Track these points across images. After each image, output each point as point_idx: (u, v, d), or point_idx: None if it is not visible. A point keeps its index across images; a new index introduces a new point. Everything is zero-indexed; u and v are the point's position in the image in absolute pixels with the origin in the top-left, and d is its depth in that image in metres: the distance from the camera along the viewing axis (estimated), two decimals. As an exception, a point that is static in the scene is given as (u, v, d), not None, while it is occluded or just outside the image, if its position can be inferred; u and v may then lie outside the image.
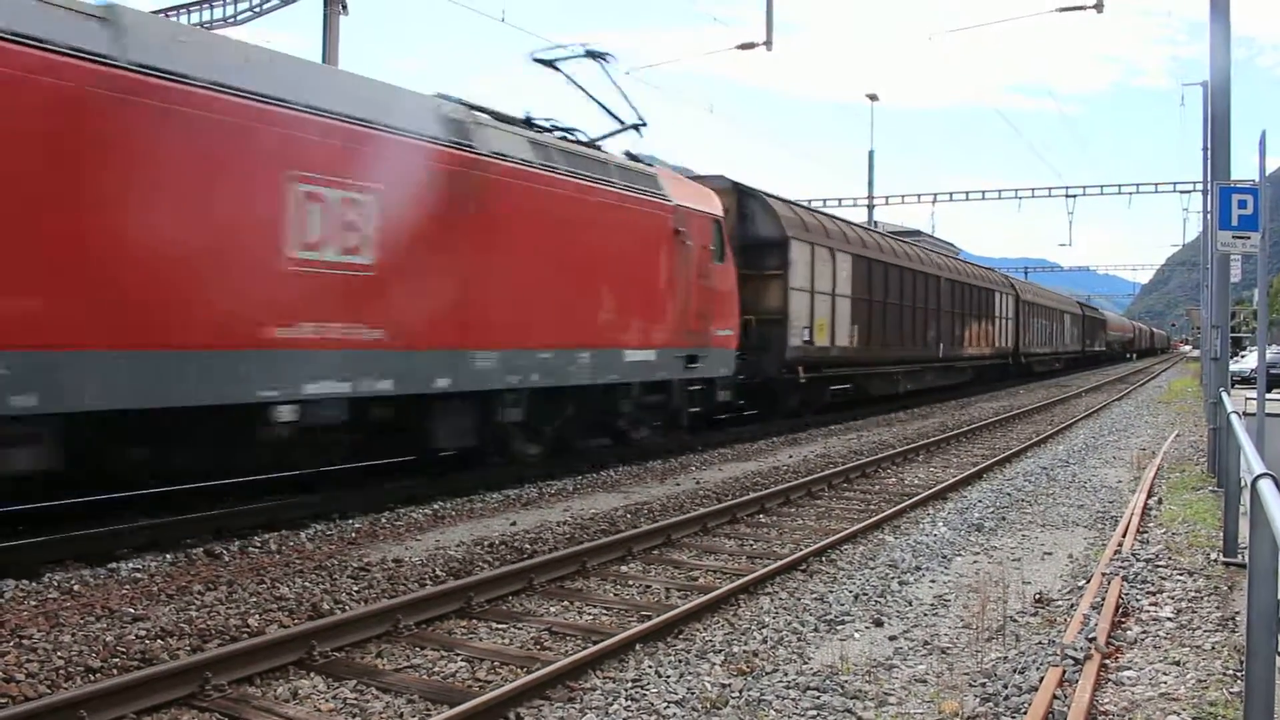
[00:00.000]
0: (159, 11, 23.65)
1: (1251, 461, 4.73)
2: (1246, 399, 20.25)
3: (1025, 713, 4.99)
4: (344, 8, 20.93)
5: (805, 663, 6.00)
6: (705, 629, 6.71)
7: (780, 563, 8.27)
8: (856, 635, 6.59)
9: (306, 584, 7.47)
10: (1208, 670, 5.66)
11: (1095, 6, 22.50)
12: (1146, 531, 9.67)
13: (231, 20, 23.88)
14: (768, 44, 24.16)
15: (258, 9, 23.88)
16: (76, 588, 7.23)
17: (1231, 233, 10.87)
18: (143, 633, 6.17)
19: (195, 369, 8.35)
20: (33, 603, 6.83)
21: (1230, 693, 5.27)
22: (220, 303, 8.53)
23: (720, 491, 12.23)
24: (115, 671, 5.54)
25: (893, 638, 6.55)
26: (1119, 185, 49.07)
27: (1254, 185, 11.01)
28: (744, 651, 6.16)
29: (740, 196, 19.47)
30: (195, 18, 24.09)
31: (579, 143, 13.76)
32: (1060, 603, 7.38)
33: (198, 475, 10.22)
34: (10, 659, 5.60)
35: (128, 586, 7.30)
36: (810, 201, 44.83)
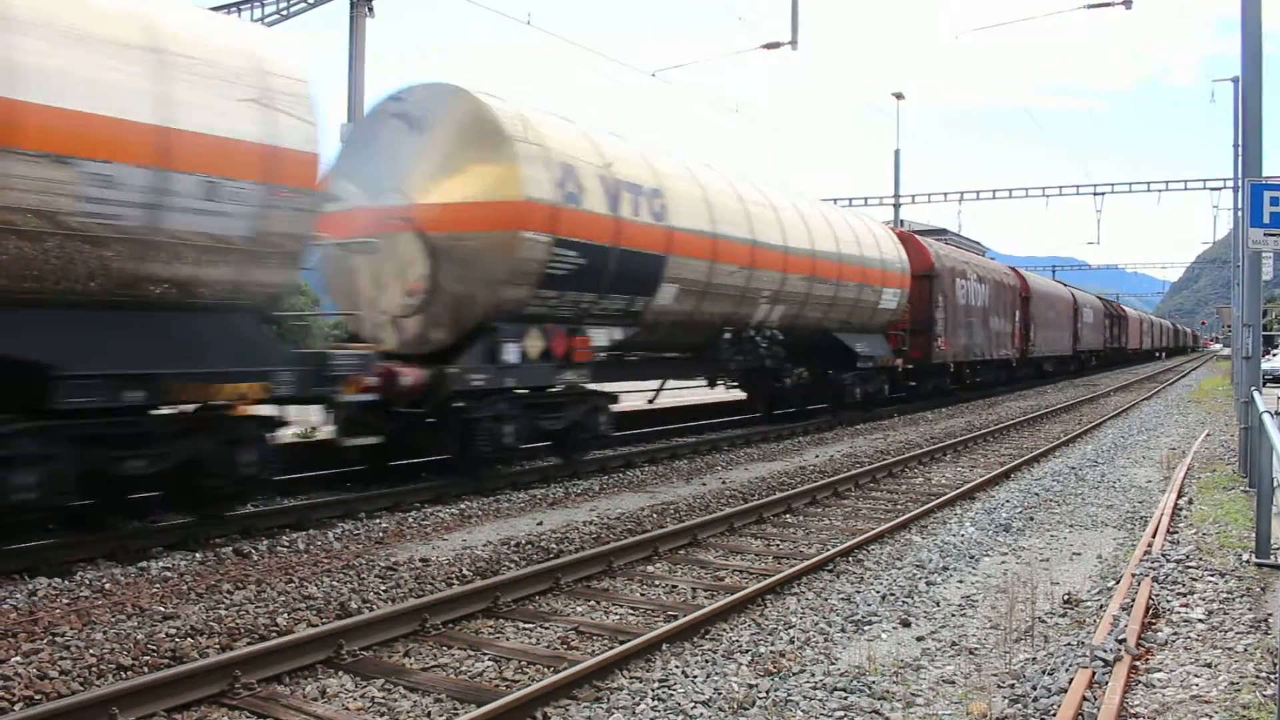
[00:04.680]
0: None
1: (1285, 462, 4.68)
2: (1279, 398, 20.05)
3: (1055, 714, 4.96)
4: (370, 10, 21.03)
5: (832, 663, 5.98)
6: (732, 629, 6.70)
7: (807, 563, 8.25)
8: (884, 636, 6.57)
9: (334, 583, 7.52)
10: (1240, 673, 5.60)
11: (1124, 2, 22.29)
12: (1177, 532, 9.58)
13: (260, 22, 24.02)
14: (793, 43, 24.09)
15: (284, 12, 24.03)
16: (108, 586, 7.31)
17: (1263, 230, 10.75)
18: (173, 631, 6.23)
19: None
20: (65, 601, 6.91)
21: (1263, 695, 5.21)
22: None
23: (747, 491, 12.22)
24: (146, 669, 5.60)
25: (920, 638, 6.53)
26: (1148, 183, 48.61)
27: (1286, 182, 10.88)
28: (771, 652, 6.15)
29: None
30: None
31: None
32: (1089, 603, 7.32)
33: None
34: (44, 656, 5.67)
35: (158, 585, 7.37)
36: (836, 201, 44.67)
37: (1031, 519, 10.63)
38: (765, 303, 17.41)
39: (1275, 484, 7.98)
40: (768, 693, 5.43)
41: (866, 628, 6.71)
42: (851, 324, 21.26)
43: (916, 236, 26.77)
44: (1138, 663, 5.80)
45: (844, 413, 21.35)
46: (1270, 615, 6.60)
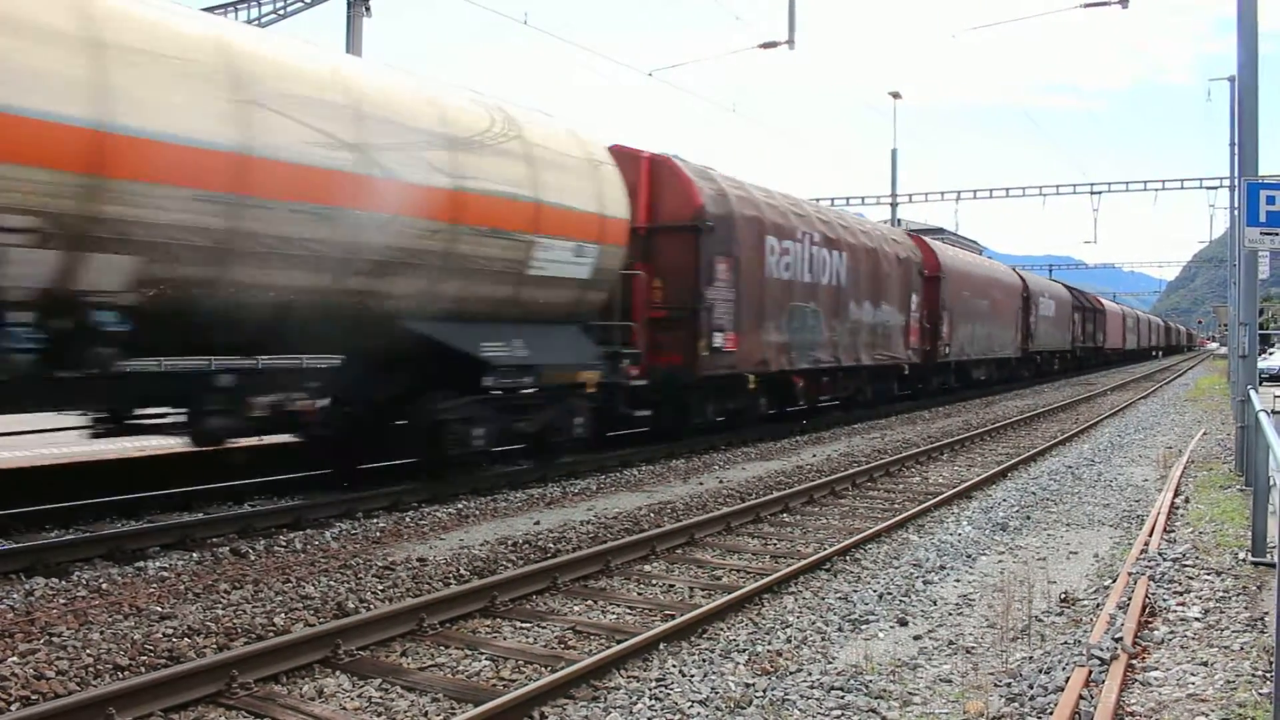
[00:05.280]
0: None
1: (1280, 460, 4.69)
2: (1275, 396, 20.08)
3: (1051, 713, 4.96)
4: (367, 9, 21.03)
5: (829, 662, 5.99)
6: (729, 628, 6.70)
7: (804, 562, 8.25)
8: (881, 635, 6.58)
9: (332, 583, 7.51)
10: (1236, 671, 5.61)
11: (1120, 2, 22.30)
12: (1173, 531, 9.59)
13: (255, 22, 24.01)
14: (790, 42, 24.10)
15: (281, 11, 24.03)
16: (105, 586, 7.30)
17: (1259, 229, 10.76)
18: (170, 631, 6.22)
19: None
20: (62, 600, 6.90)
21: (1259, 694, 5.22)
22: None
23: (744, 490, 12.22)
24: (143, 669, 5.59)
25: (917, 637, 6.53)
26: (1145, 182, 48.68)
27: (1282, 181, 10.89)
28: (768, 651, 6.15)
29: None
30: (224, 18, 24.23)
31: None
32: (1086, 602, 7.33)
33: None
34: (40, 656, 5.66)
35: (155, 585, 7.36)
36: (833, 200, 44.71)
37: (1028, 518, 10.64)
38: (19, 245, 7.54)
39: (1272, 483, 7.99)
40: (765, 692, 5.43)
41: (864, 627, 6.72)
42: (470, 304, 11.46)
43: (675, 161, 15.69)
44: (1134, 661, 5.81)
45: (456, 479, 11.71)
46: (1266, 614, 6.61)
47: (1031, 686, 5.41)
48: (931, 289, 25.47)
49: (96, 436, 9.28)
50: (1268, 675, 5.38)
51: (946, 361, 26.97)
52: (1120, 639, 5.97)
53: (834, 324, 19.63)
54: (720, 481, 12.94)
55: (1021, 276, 37.07)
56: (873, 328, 21.57)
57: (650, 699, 5.32)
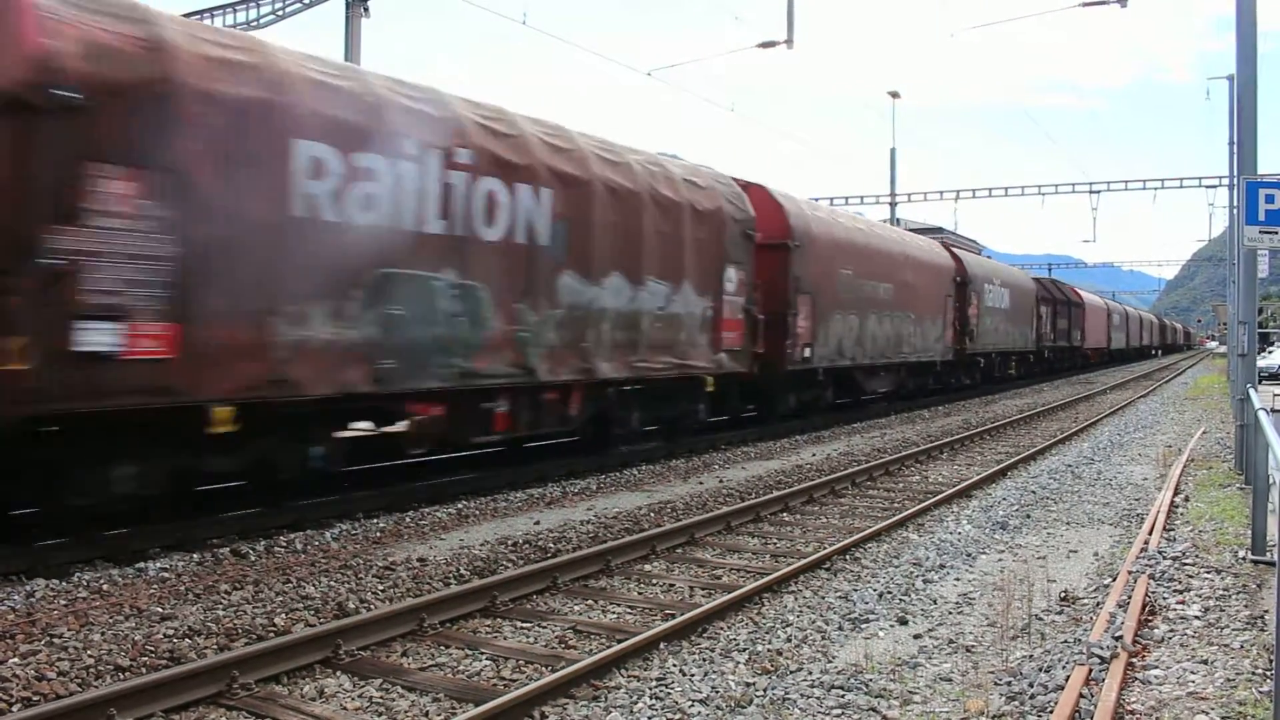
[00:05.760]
0: (192, 14, 23.93)
1: (1280, 458, 4.69)
2: (1275, 395, 20.10)
3: (1051, 712, 4.96)
4: (365, 10, 21.03)
5: (829, 661, 5.99)
6: (729, 628, 6.70)
7: (804, 561, 8.26)
8: (881, 634, 6.58)
9: (332, 583, 7.52)
10: (1236, 669, 5.61)
11: (1119, 1, 22.29)
12: (1173, 529, 9.60)
13: (255, 24, 24.04)
14: (789, 42, 24.11)
15: (280, 12, 24.05)
16: (105, 587, 7.30)
17: (1258, 228, 10.77)
18: (171, 632, 6.23)
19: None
20: (63, 602, 6.91)
21: (1260, 692, 5.23)
22: None
23: (744, 490, 12.22)
24: (144, 670, 5.60)
25: (917, 636, 6.54)
26: (1144, 181, 48.71)
27: (1281, 179, 10.90)
28: (768, 650, 6.15)
29: None
30: (221, 21, 24.30)
31: None
32: (1086, 601, 7.33)
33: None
34: (41, 657, 5.67)
35: (155, 586, 7.37)
36: (832, 200, 44.70)
37: (1028, 517, 10.64)
38: None
39: (1271, 481, 8.00)
40: (765, 691, 5.43)
41: (864, 626, 6.72)
42: None
43: None
44: (1134, 660, 5.81)
45: None
46: (1266, 612, 6.62)
47: (1031, 685, 5.41)
48: (773, 262, 17.50)
49: None
50: (1268, 673, 5.39)
51: (810, 369, 18.95)
52: (1120, 637, 5.97)
53: (519, 310, 11.56)
54: (720, 481, 12.94)
55: (955, 256, 28.41)
56: (629, 319, 13.42)
57: (651, 698, 5.33)
